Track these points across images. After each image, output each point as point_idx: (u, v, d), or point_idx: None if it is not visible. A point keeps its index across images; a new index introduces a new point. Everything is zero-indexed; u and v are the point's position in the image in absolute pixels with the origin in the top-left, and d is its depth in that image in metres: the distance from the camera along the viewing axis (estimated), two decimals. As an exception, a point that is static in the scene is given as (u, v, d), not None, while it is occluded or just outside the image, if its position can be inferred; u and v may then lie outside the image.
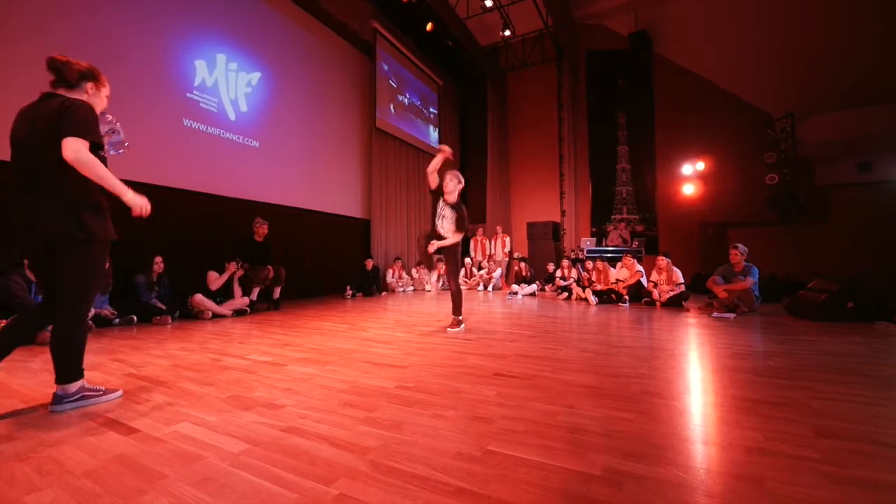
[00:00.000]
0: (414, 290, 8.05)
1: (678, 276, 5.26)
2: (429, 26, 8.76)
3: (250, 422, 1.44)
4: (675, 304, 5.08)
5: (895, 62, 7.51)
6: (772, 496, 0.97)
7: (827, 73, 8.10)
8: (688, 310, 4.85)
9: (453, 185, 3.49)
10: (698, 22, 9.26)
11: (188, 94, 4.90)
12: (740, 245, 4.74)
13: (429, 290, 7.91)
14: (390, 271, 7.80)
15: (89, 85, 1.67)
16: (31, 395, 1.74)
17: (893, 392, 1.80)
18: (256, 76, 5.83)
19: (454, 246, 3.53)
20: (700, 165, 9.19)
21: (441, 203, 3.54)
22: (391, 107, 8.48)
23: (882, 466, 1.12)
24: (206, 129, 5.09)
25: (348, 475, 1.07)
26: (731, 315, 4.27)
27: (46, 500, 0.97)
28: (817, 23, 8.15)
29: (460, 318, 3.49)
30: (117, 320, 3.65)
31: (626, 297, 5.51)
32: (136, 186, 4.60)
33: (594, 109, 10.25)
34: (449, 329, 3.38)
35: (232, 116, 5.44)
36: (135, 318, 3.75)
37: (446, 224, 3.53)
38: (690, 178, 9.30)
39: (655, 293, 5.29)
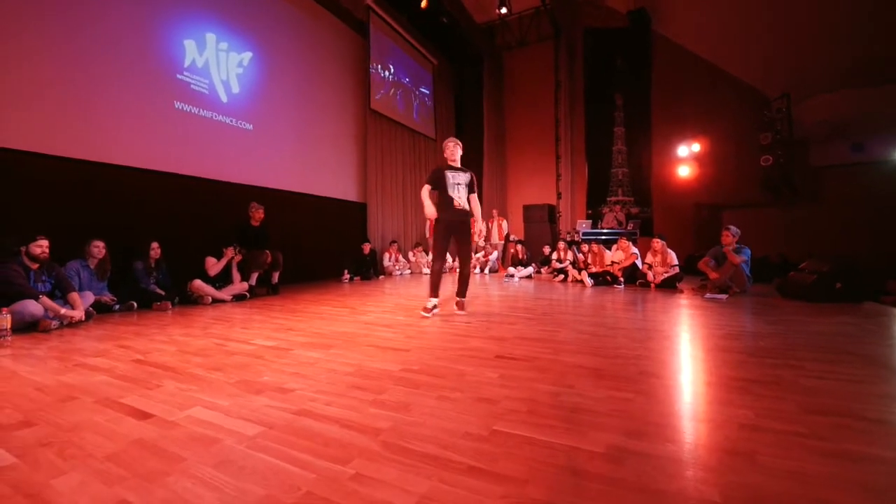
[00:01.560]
0: (411, 272, 8.09)
1: (672, 258, 5.34)
2: (423, 3, 8.53)
3: (262, 405, 1.48)
4: (670, 285, 5.17)
5: (893, 44, 7.46)
6: (764, 469, 1.03)
7: (825, 54, 8.05)
8: (681, 291, 4.95)
9: (458, 153, 3.42)
10: (697, -1, 9.10)
11: (178, 76, 4.78)
12: (732, 227, 4.81)
13: (426, 273, 7.96)
14: (387, 255, 7.82)
15: None
16: (42, 381, 1.76)
17: (879, 370, 1.87)
18: (248, 56, 5.69)
19: (470, 225, 3.48)
20: (696, 147, 9.20)
21: (450, 172, 3.38)
22: (385, 87, 8.33)
23: (868, 441, 1.19)
24: (199, 111, 4.99)
25: (362, 455, 1.12)
26: (724, 296, 4.37)
27: (74, 482, 1.00)
28: (816, 3, 8.05)
29: (464, 300, 3.52)
30: (117, 306, 3.66)
31: (622, 279, 5.59)
32: (129, 171, 4.57)
33: (591, 90, 10.15)
34: (459, 311, 3.42)
35: (224, 98, 5.33)
36: (135, 304, 3.76)
37: (462, 192, 3.39)
38: (686, 159, 9.32)
39: (650, 275, 5.38)
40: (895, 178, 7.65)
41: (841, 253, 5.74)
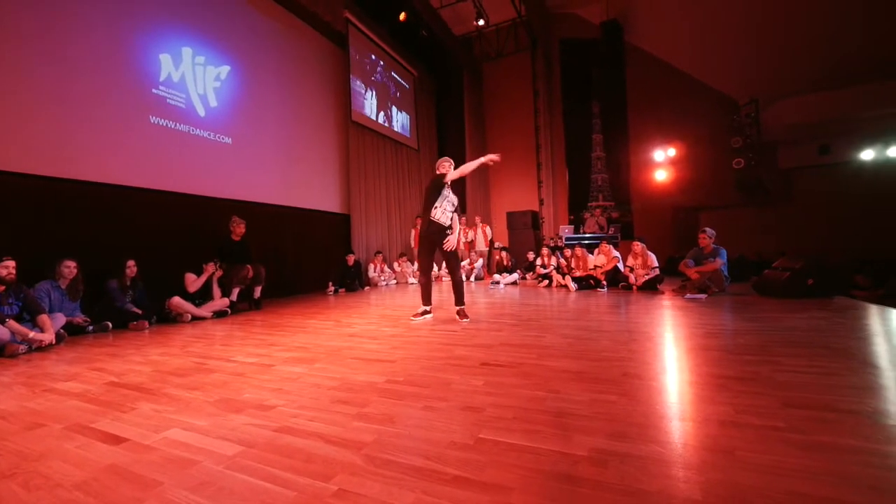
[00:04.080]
0: (397, 283, 8.05)
1: (653, 260, 5.44)
2: (402, 16, 8.64)
3: (242, 424, 1.44)
4: (651, 287, 5.27)
5: (854, 49, 7.87)
6: (743, 464, 1.05)
7: (790, 60, 8.43)
8: (662, 292, 5.04)
9: (450, 168, 3.58)
10: (666, 10, 9.45)
11: (154, 90, 4.70)
12: (708, 229, 4.95)
13: (412, 283, 7.92)
14: (372, 265, 7.77)
15: None
16: (6, 409, 1.68)
17: (850, 362, 1.94)
18: (225, 70, 5.64)
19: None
20: (671, 152, 9.47)
21: (447, 189, 3.53)
22: (366, 99, 8.35)
23: (843, 431, 1.23)
24: (175, 126, 4.90)
25: (346, 470, 1.10)
26: (703, 296, 4.47)
27: (39, 514, 0.95)
28: (782, 11, 8.44)
29: (464, 307, 3.55)
30: (91, 327, 3.53)
31: (604, 283, 5.67)
32: (103, 187, 4.45)
33: (569, 98, 10.39)
34: (463, 320, 3.43)
35: (201, 112, 5.26)
36: (110, 324, 3.63)
37: (449, 209, 3.53)
38: (662, 164, 9.57)
39: (632, 277, 5.47)
40: (860, 178, 8.01)
41: (811, 250, 5.95)
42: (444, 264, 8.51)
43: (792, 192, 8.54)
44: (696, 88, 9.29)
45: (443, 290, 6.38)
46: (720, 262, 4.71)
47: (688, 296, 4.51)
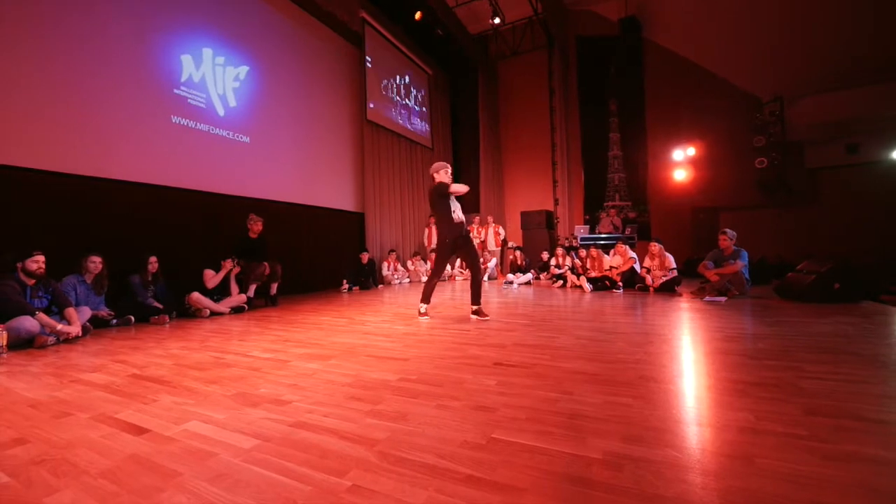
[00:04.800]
0: (410, 281, 8.08)
1: (670, 261, 5.34)
2: (417, 15, 8.65)
3: (258, 418, 1.47)
4: (668, 289, 5.17)
5: (884, 43, 7.56)
6: (763, 472, 1.02)
7: (816, 56, 8.14)
8: (680, 294, 4.94)
9: (448, 176, 3.61)
10: (686, 6, 9.24)
11: (175, 91, 4.82)
12: (728, 230, 4.82)
13: (425, 281, 7.94)
14: (385, 264, 7.82)
15: None
16: (36, 398, 1.75)
17: (879, 370, 1.87)
18: (244, 70, 5.74)
19: (469, 233, 3.68)
20: (691, 151, 9.26)
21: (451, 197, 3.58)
22: (381, 98, 8.40)
23: (867, 441, 1.18)
24: (196, 125, 5.02)
25: (359, 466, 1.11)
26: (723, 299, 4.36)
27: (66, 500, 0.99)
28: (806, 5, 8.17)
29: (480, 306, 3.56)
30: (114, 321, 3.64)
31: (620, 284, 5.59)
32: (127, 185, 4.58)
33: (585, 96, 10.25)
34: (476, 317, 3.47)
35: (221, 112, 5.37)
36: (132, 318, 3.75)
37: (456, 205, 3.62)
38: (681, 163, 9.37)
39: (648, 279, 5.38)
40: (890, 179, 7.70)
41: (837, 252, 5.75)
42: (457, 263, 8.54)
43: (817, 193, 8.27)
44: (716, 86, 9.05)
45: (455, 290, 6.39)
46: (741, 263, 4.59)
47: (707, 298, 4.41)
